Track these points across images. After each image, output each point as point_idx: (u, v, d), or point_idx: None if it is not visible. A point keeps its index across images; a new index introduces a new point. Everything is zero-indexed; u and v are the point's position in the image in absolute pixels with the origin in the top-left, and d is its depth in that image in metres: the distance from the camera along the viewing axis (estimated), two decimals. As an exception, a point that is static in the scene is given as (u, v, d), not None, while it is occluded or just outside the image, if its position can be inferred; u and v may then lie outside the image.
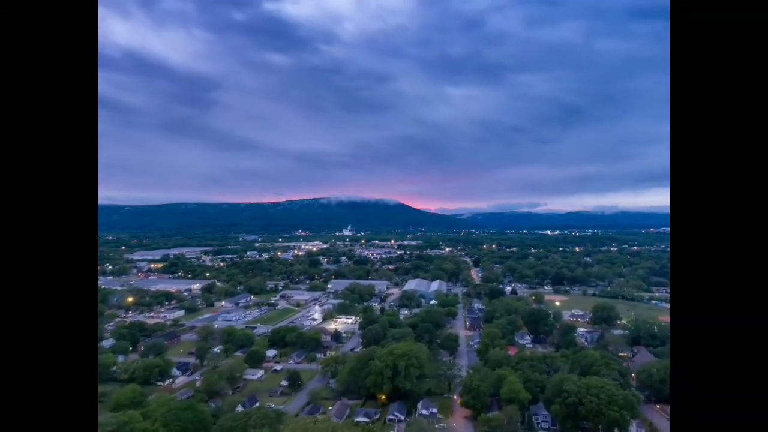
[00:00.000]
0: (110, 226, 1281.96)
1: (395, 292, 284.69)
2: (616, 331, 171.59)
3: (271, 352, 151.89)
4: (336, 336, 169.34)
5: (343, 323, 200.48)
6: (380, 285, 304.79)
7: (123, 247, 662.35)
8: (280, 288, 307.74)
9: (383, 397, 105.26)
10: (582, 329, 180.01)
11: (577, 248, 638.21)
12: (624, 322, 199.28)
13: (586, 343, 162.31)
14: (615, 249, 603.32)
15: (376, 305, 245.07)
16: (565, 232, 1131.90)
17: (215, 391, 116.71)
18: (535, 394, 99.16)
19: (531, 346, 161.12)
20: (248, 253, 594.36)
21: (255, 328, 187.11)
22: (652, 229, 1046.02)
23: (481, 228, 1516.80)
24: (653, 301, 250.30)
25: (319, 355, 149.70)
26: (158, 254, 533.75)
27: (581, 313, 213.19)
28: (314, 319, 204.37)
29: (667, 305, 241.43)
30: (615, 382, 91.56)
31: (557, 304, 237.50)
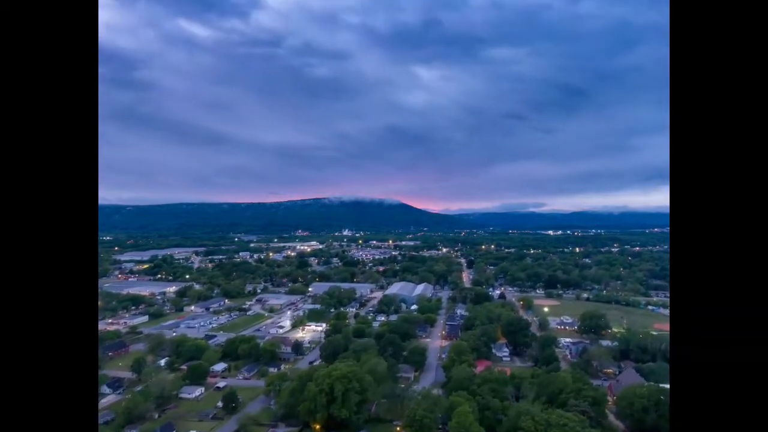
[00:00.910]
0: (111, 227, 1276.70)
1: (379, 295, 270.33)
2: (605, 342, 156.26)
3: (219, 366, 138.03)
4: (297, 347, 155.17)
5: (312, 331, 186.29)
6: (364, 288, 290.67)
7: (116, 248, 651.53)
8: (259, 291, 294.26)
9: (317, 426, 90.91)
10: (568, 339, 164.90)
11: (577, 249, 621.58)
12: (616, 330, 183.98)
13: (569, 356, 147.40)
14: (616, 250, 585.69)
15: (353, 311, 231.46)
16: (568, 232, 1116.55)
17: (139, 413, 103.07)
18: (492, 425, 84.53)
19: (508, 359, 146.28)
20: (240, 253, 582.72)
21: (214, 337, 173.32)
22: (656, 229, 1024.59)
23: (483, 228, 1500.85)
24: (650, 307, 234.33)
25: (272, 370, 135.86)
26: (149, 255, 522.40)
27: (570, 320, 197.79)
28: (281, 327, 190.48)
29: (664, 311, 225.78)
30: (584, 417, 76.90)
31: (546, 309, 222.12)
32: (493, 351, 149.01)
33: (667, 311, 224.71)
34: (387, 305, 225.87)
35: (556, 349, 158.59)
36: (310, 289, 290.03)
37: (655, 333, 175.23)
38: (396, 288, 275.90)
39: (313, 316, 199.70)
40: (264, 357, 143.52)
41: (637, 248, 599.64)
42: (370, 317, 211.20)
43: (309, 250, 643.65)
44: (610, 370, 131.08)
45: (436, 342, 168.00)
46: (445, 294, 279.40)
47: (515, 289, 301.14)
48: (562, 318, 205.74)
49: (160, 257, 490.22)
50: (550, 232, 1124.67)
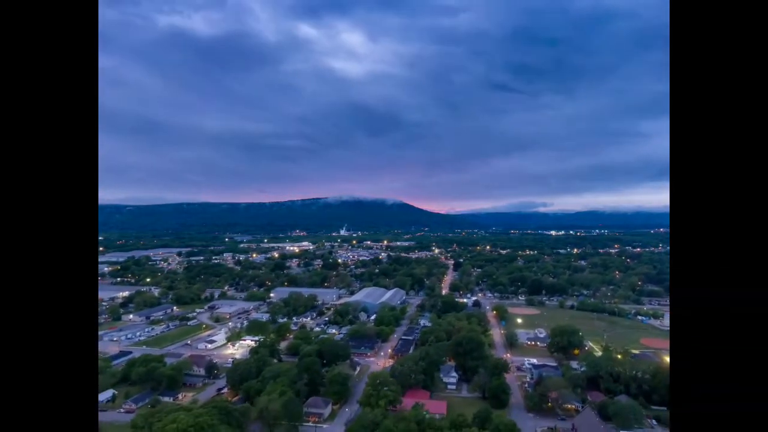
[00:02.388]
0: (110, 226, 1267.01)
1: (345, 301, 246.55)
2: (576, 365, 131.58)
3: (105, 395, 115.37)
4: (210, 369, 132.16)
5: (247, 346, 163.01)
6: (330, 294, 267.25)
7: (102, 248, 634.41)
8: (216, 297, 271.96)
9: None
10: (532, 361, 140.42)
11: (575, 250, 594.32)
12: (595, 345, 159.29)
13: (528, 383, 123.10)
14: (615, 251, 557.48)
15: (306, 320, 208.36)
16: (571, 232, 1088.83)
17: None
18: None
19: (454, 387, 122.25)
20: (225, 254, 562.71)
21: (129, 354, 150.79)
22: (662, 230, 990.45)
23: (486, 228, 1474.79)
24: (639, 317, 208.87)
25: (166, 399, 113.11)
26: (127, 256, 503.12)
27: (544, 334, 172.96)
28: (213, 341, 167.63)
29: (654, 321, 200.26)
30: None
31: (519, 321, 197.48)
32: (440, 376, 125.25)
33: (657, 322, 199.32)
34: (342, 315, 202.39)
35: (518, 372, 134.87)
36: (272, 294, 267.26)
37: (636, 352, 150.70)
38: (362, 294, 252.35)
39: (253, 329, 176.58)
40: (165, 382, 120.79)
41: (638, 249, 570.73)
42: (317, 330, 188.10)
43: (297, 250, 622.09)
44: (572, 406, 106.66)
45: (379, 362, 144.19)
46: (417, 301, 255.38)
47: (496, 295, 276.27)
48: (536, 331, 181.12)
49: (136, 258, 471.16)
50: (552, 233, 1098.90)
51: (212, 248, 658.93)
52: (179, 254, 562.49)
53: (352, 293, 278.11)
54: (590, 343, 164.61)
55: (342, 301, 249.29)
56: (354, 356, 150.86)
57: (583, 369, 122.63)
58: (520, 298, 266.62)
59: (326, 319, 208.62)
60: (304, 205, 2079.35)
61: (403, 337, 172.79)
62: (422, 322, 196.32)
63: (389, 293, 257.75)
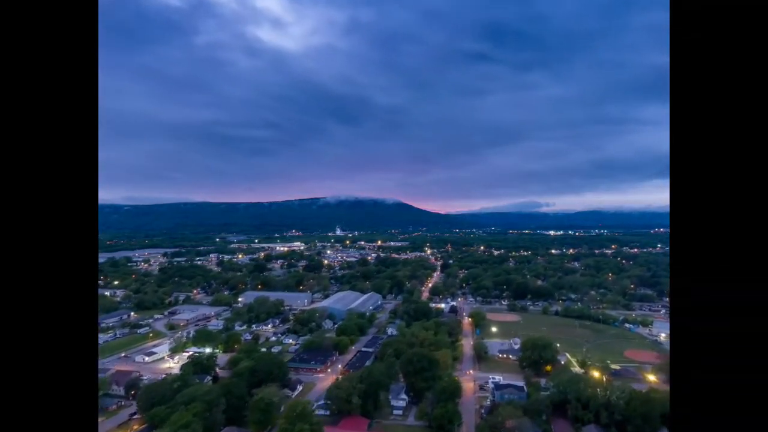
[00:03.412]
0: (107, 226, 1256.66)
1: (325, 304, 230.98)
2: (545, 384, 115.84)
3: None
4: (130, 388, 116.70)
5: (190, 359, 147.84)
6: (302, 299, 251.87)
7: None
8: (181, 301, 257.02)
9: None
10: (497, 378, 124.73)
11: (571, 250, 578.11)
12: (570, 359, 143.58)
13: (486, 405, 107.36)
14: (610, 252, 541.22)
15: (267, 328, 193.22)
16: (569, 232, 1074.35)
17: None
18: None
19: (400, 413, 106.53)
20: (210, 255, 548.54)
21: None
22: (662, 230, 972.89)
23: (485, 228, 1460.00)
24: (627, 324, 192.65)
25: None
26: (107, 257, 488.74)
27: (519, 345, 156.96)
28: (152, 353, 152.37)
29: (642, 330, 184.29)
30: None
31: (494, 330, 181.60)
32: (389, 398, 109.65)
33: (645, 330, 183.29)
34: (304, 323, 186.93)
35: (479, 393, 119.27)
36: (240, 299, 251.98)
37: (617, 367, 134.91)
38: (333, 299, 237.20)
39: (200, 339, 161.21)
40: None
41: (636, 250, 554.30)
42: (273, 339, 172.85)
43: (287, 251, 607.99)
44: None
45: (329, 380, 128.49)
46: (393, 306, 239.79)
47: (479, 299, 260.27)
48: (512, 341, 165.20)
49: (116, 260, 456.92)
50: (551, 233, 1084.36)
51: (201, 248, 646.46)
52: (165, 255, 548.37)
53: (327, 297, 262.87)
54: (568, 356, 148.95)
55: (315, 305, 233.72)
56: (303, 372, 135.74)
57: (550, 391, 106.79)
58: (503, 302, 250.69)
59: (288, 326, 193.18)
60: (303, 205, 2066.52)
61: (363, 349, 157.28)
62: (390, 330, 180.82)
63: (363, 298, 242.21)
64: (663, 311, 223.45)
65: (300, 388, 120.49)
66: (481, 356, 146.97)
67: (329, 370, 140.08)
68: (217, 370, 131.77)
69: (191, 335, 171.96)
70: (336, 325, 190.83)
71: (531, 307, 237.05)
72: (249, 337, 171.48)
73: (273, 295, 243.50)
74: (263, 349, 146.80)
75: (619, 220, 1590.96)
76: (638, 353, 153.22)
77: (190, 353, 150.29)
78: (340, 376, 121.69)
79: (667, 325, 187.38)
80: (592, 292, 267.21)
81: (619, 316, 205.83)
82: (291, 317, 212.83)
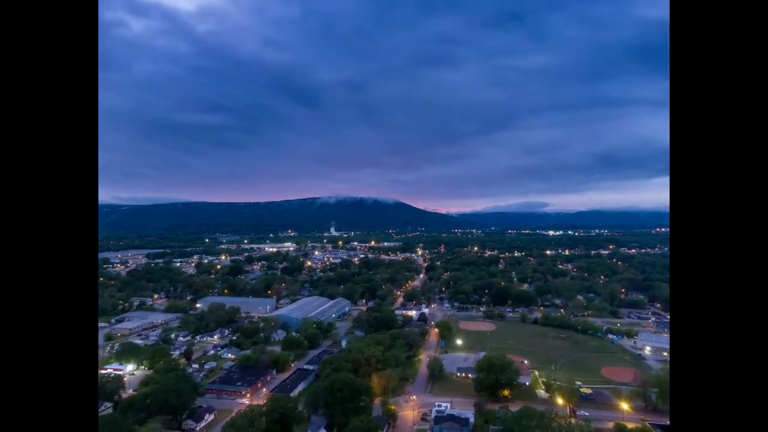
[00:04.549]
0: (103, 227, 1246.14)
1: (285, 311, 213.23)
2: (499, 414, 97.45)
3: None
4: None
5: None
6: (263, 305, 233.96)
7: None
8: (134, 306, 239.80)
9: None
10: (444, 407, 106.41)
11: (567, 251, 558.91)
12: (537, 377, 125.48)
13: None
14: (607, 252, 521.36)
15: (212, 340, 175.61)
16: (569, 232, 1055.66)
17: None
18: None
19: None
20: (194, 256, 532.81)
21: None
22: (663, 229, 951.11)
23: (484, 228, 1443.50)
24: (610, 336, 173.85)
25: None
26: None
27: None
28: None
29: (627, 342, 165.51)
30: None
31: (459, 342, 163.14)
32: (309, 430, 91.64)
33: (629, 342, 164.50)
34: (249, 334, 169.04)
35: (418, 425, 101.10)
36: (198, 305, 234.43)
37: (588, 391, 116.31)
38: (296, 306, 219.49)
39: (124, 354, 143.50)
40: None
41: (633, 251, 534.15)
42: (210, 354, 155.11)
43: (273, 251, 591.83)
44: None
45: (242, 404, 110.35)
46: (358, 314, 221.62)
47: (456, 305, 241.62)
48: (477, 356, 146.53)
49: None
50: (550, 233, 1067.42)
51: (188, 249, 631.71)
52: (148, 256, 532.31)
53: (294, 303, 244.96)
54: (536, 374, 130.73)
55: (269, 314, 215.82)
56: (226, 395, 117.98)
57: (496, 428, 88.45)
58: (482, 309, 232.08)
59: (232, 338, 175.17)
60: (303, 205, 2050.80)
61: (305, 366, 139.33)
62: (344, 342, 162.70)
63: (328, 304, 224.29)
64: (653, 318, 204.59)
65: (210, 417, 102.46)
66: (436, 375, 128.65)
67: (259, 391, 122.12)
68: (130, 392, 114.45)
69: (116, 348, 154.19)
70: (288, 334, 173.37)
71: (510, 314, 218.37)
72: (178, 351, 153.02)
73: (232, 302, 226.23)
74: (246, 352, 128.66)
75: (622, 220, 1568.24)
76: (617, 371, 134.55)
77: (109, 371, 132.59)
78: (260, 403, 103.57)
79: (654, 336, 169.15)
80: (579, 297, 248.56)
81: (603, 325, 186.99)
82: (246, 326, 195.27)
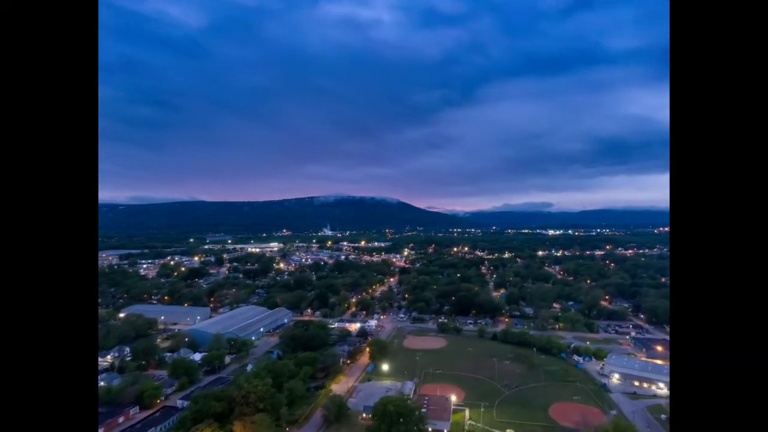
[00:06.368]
0: (100, 226, 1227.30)
1: (205, 325, 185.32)
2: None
3: None
4: None
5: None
6: (191, 315, 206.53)
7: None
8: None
9: None
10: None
11: (561, 252, 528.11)
12: (467, 416, 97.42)
13: None
14: (602, 253, 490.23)
15: (110, 357, 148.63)
16: (569, 231, 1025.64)
17: None
18: None
19: None
20: (168, 257, 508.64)
21: None
22: (665, 229, 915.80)
23: (485, 228, 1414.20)
24: (576, 356, 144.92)
25: None
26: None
27: (411, 390, 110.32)
28: None
29: (596, 365, 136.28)
30: None
31: (385, 368, 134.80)
32: None
33: (596, 366, 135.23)
34: (144, 354, 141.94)
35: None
36: (121, 315, 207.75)
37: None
38: (223, 317, 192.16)
39: None
40: None
41: (630, 252, 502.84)
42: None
43: (257, 251, 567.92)
44: None
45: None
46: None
47: (414, 315, 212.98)
48: (404, 386, 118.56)
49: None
50: (551, 232, 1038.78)
51: (169, 249, 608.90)
52: (128, 257, 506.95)
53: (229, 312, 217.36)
54: (467, 413, 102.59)
55: (204, 323, 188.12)
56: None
57: None
58: (442, 318, 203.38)
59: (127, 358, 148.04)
60: (301, 204, 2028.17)
61: (178, 402, 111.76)
62: (250, 366, 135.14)
63: (263, 315, 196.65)
64: (633, 333, 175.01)
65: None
66: (331, 418, 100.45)
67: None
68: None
69: None
70: (197, 352, 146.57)
71: (471, 326, 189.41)
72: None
73: (159, 311, 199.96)
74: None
75: (636, 219, 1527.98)
76: (568, 409, 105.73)
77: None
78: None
79: (625, 359, 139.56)
80: (556, 306, 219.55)
81: (571, 343, 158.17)
82: (158, 340, 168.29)
